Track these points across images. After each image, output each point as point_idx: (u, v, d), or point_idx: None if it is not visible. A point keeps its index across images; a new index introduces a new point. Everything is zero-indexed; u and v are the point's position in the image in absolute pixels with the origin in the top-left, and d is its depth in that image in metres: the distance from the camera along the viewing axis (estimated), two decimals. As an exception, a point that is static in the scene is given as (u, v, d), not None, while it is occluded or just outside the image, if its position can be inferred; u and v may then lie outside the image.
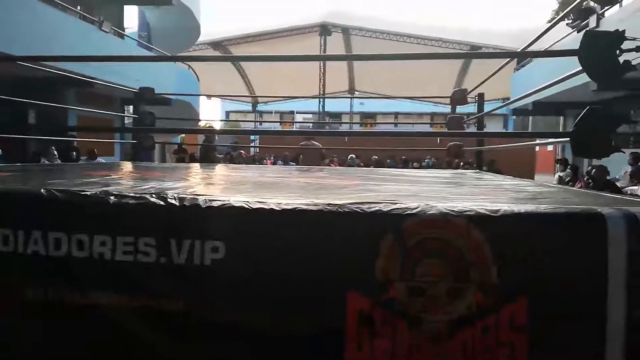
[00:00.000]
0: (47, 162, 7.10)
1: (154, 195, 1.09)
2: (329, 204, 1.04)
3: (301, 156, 6.74)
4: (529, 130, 14.81)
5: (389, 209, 1.01)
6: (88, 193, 1.12)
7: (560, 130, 11.31)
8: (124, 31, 11.51)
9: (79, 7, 9.32)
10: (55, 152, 7.82)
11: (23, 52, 5.28)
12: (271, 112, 24.34)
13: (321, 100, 19.11)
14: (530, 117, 14.70)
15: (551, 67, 7.22)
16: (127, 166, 3.26)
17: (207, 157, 6.38)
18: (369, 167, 8.99)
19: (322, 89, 18.51)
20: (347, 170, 3.88)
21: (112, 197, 1.10)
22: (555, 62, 6.71)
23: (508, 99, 12.06)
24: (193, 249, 1.03)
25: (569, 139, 1.44)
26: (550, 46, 7.70)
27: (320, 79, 18.59)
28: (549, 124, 14.23)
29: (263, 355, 1.02)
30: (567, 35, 8.61)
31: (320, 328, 1.00)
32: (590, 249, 0.96)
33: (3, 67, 6.79)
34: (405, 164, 11.61)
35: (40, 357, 1.10)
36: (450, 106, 4.47)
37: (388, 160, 12.66)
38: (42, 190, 1.12)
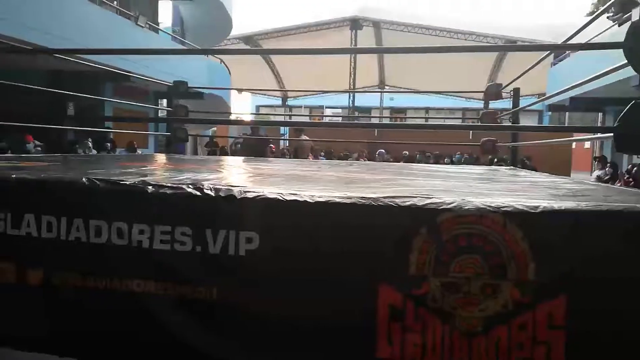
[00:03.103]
0: (82, 152, 7.32)
1: (190, 186, 1.11)
2: (362, 197, 1.03)
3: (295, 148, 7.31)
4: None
5: (423, 203, 1.00)
6: (127, 182, 1.15)
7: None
8: (159, 26, 11.74)
9: (115, 2, 9.55)
10: (91, 143, 8.06)
11: (64, 47, 5.45)
12: (301, 107, 24.41)
13: (351, 94, 19.02)
14: (567, 114, 14.28)
15: (590, 62, 6.98)
16: (162, 158, 3.33)
17: (259, 151, 6.34)
18: (398, 162, 8.94)
19: (352, 84, 18.42)
20: (378, 165, 3.86)
21: (150, 187, 1.12)
22: (594, 56, 6.49)
23: (543, 94, 11.73)
24: (228, 239, 1.05)
25: (612, 134, 1.39)
26: (589, 40, 7.44)
27: (350, 73, 18.50)
28: (586, 120, 13.79)
29: (295, 347, 1.03)
30: (608, 29, 8.31)
31: (351, 321, 1.01)
32: (635, 248, 0.93)
33: (43, 60, 7.02)
34: (436, 159, 11.45)
35: (77, 343, 1.14)
36: (482, 102, 4.38)
37: (417, 155, 12.51)
38: (83, 179, 1.16)
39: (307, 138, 7.78)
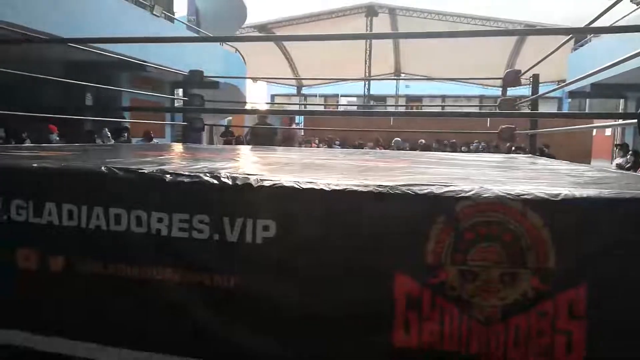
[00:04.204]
0: (101, 142, 7.42)
1: (207, 175, 1.12)
2: (379, 185, 1.03)
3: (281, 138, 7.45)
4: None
5: (441, 191, 0.99)
6: (146, 171, 1.16)
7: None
8: (174, 15, 11.75)
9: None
10: (109, 133, 8.15)
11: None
12: (315, 96, 24.31)
13: (366, 82, 18.88)
14: (587, 100, 13.96)
15: (613, 47, 6.81)
16: (178, 147, 3.36)
17: (267, 140, 6.43)
18: (415, 150, 8.88)
19: (367, 72, 18.26)
20: (394, 154, 3.84)
21: (168, 176, 1.13)
22: (616, 41, 6.30)
23: (563, 81, 11.48)
24: (245, 227, 1.05)
25: (635, 120, 1.36)
26: (612, 24, 7.24)
27: (365, 61, 18.33)
28: (608, 107, 13.47)
29: (312, 333, 1.04)
30: (632, 12, 8.08)
31: (368, 308, 1.01)
32: (658, 236, 0.91)
33: (62, 52, 7.10)
34: (453, 148, 11.33)
35: (97, 328, 1.16)
36: (500, 89, 4.30)
37: (434, 144, 12.39)
38: (103, 168, 1.18)
39: (296, 127, 8.47)
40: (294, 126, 8.42)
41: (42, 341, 1.18)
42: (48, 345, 1.17)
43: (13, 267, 1.19)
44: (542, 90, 3.98)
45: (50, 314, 1.18)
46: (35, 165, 1.25)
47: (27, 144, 5.75)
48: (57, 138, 7.20)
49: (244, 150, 3.35)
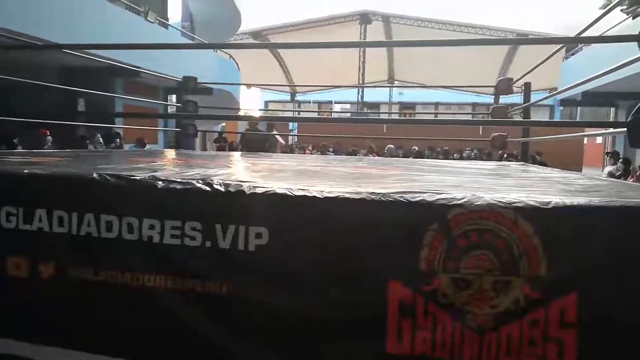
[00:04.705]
0: (93, 148, 7.38)
1: (200, 181, 1.11)
2: (372, 193, 1.03)
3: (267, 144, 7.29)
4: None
5: (434, 198, 0.99)
6: (137, 178, 1.16)
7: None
8: (168, 21, 11.76)
9: (125, -2, 9.56)
10: (101, 139, 8.12)
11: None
12: (309, 102, 24.37)
13: (360, 90, 18.97)
14: (579, 108, 14.10)
15: (603, 55, 6.89)
16: (171, 153, 3.35)
17: (257, 147, 6.42)
18: (408, 157, 8.92)
19: (361, 79, 18.35)
20: (387, 161, 3.85)
21: (160, 182, 1.13)
22: (606, 50, 6.38)
23: (555, 89, 11.60)
24: (237, 234, 1.05)
25: (625, 129, 1.37)
26: (602, 33, 7.33)
27: (359, 68, 18.43)
28: (598, 115, 13.61)
29: (305, 340, 1.03)
30: (621, 22, 8.19)
31: (361, 316, 1.00)
32: (648, 244, 0.92)
33: (57, 58, 7.08)
34: (446, 155, 11.38)
35: (88, 336, 1.15)
36: (493, 96, 4.33)
37: (427, 151, 12.43)
38: (94, 175, 1.17)
39: (277, 133, 8.18)
40: (274, 132, 8.31)
41: (32, 349, 1.16)
42: (39, 353, 1.16)
43: (3, 274, 1.17)
44: (534, 98, 4.01)
45: (40, 322, 1.17)
46: (26, 171, 1.24)
47: (19, 150, 5.70)
48: (50, 141, 7.15)
49: (237, 156, 3.35)
